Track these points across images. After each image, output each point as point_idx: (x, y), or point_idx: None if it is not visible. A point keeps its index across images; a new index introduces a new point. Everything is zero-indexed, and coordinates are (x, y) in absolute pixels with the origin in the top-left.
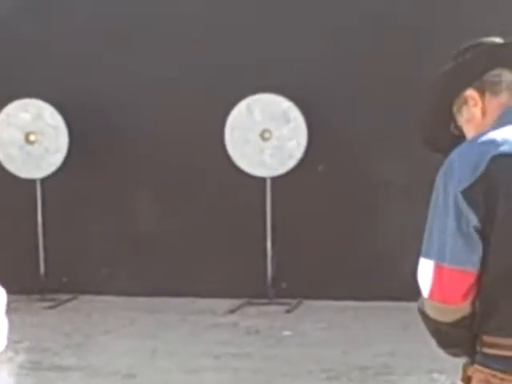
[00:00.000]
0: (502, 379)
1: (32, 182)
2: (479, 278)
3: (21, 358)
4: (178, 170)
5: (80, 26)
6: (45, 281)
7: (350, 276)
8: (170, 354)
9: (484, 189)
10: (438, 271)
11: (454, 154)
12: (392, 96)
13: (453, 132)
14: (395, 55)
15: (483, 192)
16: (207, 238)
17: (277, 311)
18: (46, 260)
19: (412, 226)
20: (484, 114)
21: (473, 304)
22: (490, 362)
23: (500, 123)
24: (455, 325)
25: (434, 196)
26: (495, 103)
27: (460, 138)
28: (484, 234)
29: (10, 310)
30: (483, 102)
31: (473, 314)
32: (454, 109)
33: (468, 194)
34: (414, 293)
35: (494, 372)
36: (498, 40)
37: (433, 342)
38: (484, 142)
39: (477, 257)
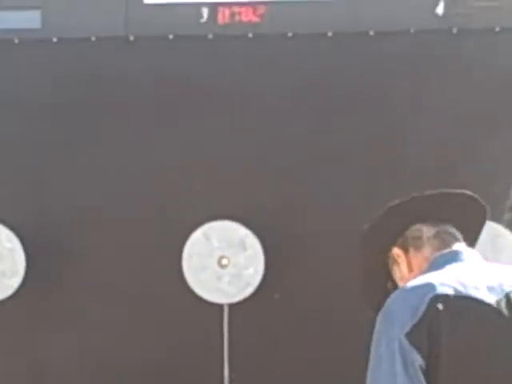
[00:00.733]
0: None
1: None
2: None
3: None
4: (136, 297)
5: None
6: None
7: None
8: None
9: (426, 330)
10: None
11: (392, 300)
12: None
13: (389, 289)
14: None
15: (426, 333)
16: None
17: None
18: None
19: None
20: (411, 269)
21: None
22: None
23: (431, 270)
24: None
25: (374, 344)
26: (420, 258)
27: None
28: (428, 373)
29: None
30: (408, 258)
31: None
32: (390, 267)
33: (411, 336)
34: None
35: None
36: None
37: None
38: (420, 286)
39: None
